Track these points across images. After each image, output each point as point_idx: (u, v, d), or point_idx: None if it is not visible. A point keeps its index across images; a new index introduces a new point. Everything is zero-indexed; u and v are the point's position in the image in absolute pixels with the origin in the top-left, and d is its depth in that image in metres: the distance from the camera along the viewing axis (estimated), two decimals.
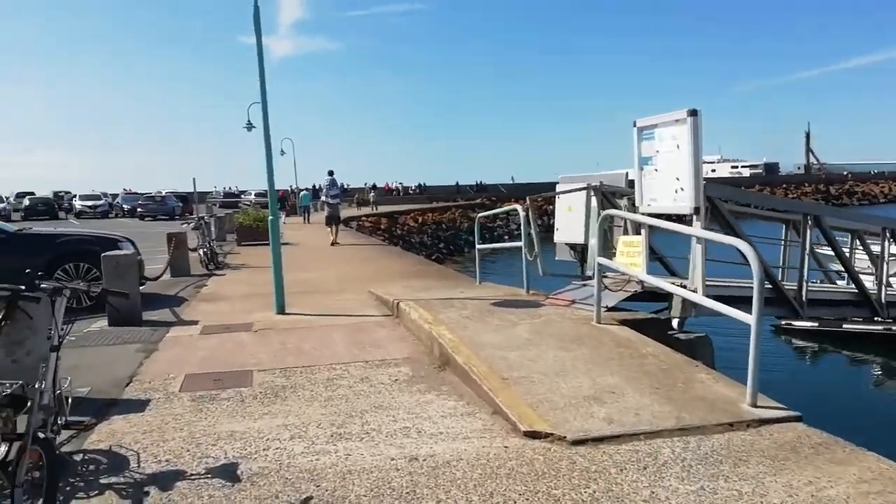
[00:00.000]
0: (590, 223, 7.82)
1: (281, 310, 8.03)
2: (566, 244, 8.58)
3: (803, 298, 7.63)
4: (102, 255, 7.84)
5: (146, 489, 3.34)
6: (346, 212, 34.79)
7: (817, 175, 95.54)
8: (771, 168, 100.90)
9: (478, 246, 9.67)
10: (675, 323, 6.68)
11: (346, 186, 50.20)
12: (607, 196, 7.91)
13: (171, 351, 6.35)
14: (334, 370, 5.50)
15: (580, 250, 8.43)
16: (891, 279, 9.06)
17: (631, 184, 8.53)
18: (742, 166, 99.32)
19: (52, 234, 10.22)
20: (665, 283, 5.42)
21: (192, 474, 3.49)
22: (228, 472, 3.49)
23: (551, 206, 8.28)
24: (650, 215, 6.02)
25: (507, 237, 44.52)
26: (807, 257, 7.61)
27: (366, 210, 43.23)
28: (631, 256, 5.67)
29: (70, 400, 3.97)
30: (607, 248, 6.32)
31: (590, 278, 8.03)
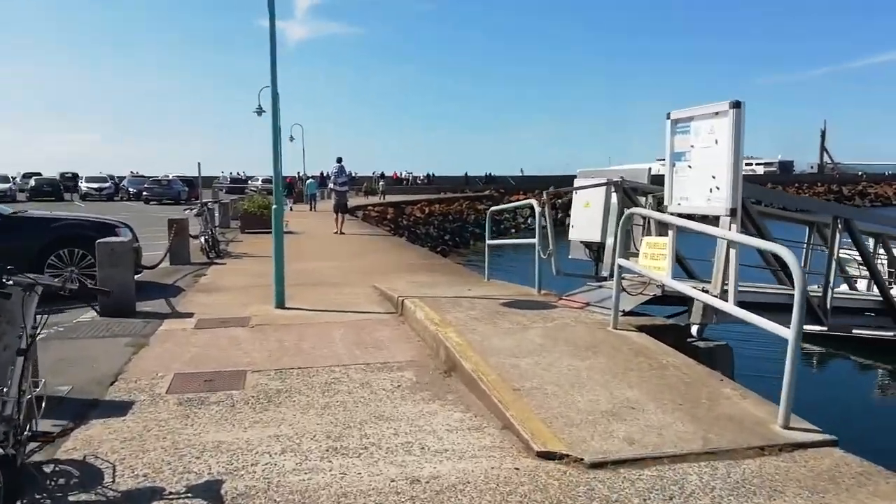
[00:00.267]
0: (608, 221, 7.44)
1: (280, 304, 7.70)
2: (581, 242, 8.20)
3: (827, 306, 7.25)
4: (97, 241, 7.52)
5: None
6: (353, 200, 34.50)
7: (831, 175, 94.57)
8: (785, 167, 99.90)
9: (488, 241, 9.30)
10: (694, 330, 6.31)
11: (354, 174, 49.90)
12: (628, 193, 7.51)
13: (163, 346, 6.03)
14: (333, 373, 5.16)
15: (596, 249, 8.05)
16: None
17: (654, 179, 8.16)
18: (756, 163, 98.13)
19: (48, 218, 9.90)
20: (693, 290, 5.04)
21: (170, 493, 3.16)
22: (211, 492, 3.15)
23: (559, 201, 7.90)
24: (679, 216, 5.62)
25: (513, 231, 44.14)
26: (834, 262, 7.21)
27: (373, 199, 42.86)
28: (655, 259, 5.30)
29: (44, 403, 3.63)
30: (627, 249, 5.93)
31: (605, 279, 7.67)
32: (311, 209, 32.76)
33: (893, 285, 8.86)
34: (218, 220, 20.13)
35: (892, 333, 11.57)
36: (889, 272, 9.44)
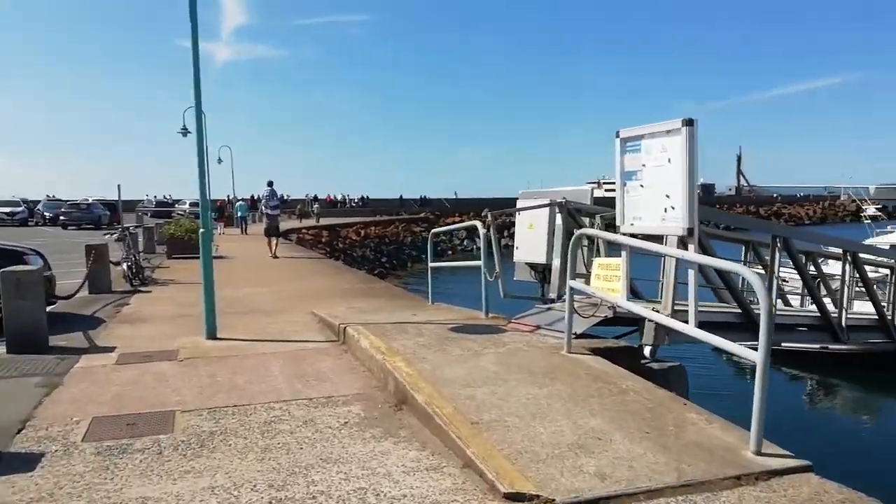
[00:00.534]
0: (554, 242, 7.30)
1: (212, 334, 7.16)
2: (526, 264, 8.03)
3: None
4: (1, 271, 6.81)
5: None
6: (286, 224, 33.68)
7: (748, 196, 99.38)
8: (707, 189, 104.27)
9: (430, 263, 9.02)
10: (646, 351, 6.20)
11: (286, 197, 48.84)
12: (573, 214, 7.40)
13: (79, 386, 5.43)
14: (273, 410, 4.73)
15: (541, 271, 7.90)
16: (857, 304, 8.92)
17: (597, 201, 8.10)
18: None
19: None
20: (650, 312, 4.90)
21: None
22: None
23: (496, 221, 7.70)
24: (632, 236, 5.50)
25: (450, 252, 44.14)
26: (775, 280, 7.29)
27: (308, 222, 41.97)
28: (609, 280, 5.15)
29: None
30: (573, 270, 5.76)
31: (553, 301, 7.51)
32: (242, 232, 31.88)
33: (826, 301, 9.08)
34: (142, 246, 19.13)
35: (817, 345, 11.95)
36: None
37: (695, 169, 4.93)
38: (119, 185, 14.64)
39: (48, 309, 8.45)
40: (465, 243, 48.32)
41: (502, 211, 7.99)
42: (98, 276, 11.08)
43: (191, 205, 45.82)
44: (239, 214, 34.35)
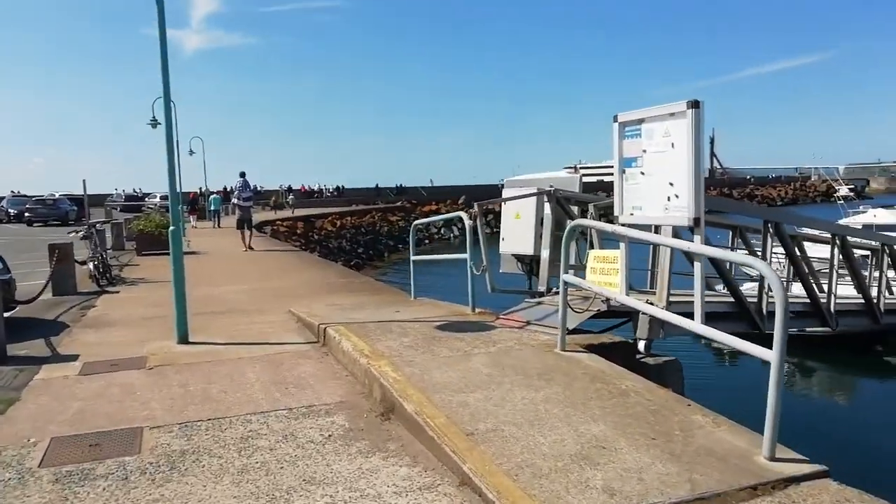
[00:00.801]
0: (543, 233, 7.01)
1: (183, 338, 6.77)
2: (513, 255, 7.74)
3: (764, 312, 7.12)
4: None
5: None
6: (260, 215, 33.04)
7: (721, 178, 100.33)
8: None
9: (412, 257, 8.68)
10: (641, 346, 5.96)
11: (259, 188, 48.00)
12: (562, 203, 7.11)
13: (38, 401, 5.03)
14: (250, 423, 4.39)
15: (529, 262, 7.62)
16: (839, 287, 8.78)
17: (586, 187, 7.83)
18: None
19: None
20: (654, 308, 4.59)
21: None
22: None
23: (473, 211, 7.38)
24: (631, 226, 5.21)
25: (427, 242, 43.74)
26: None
27: (282, 214, 41.26)
28: (606, 274, 4.87)
29: None
30: (566, 263, 5.46)
31: (542, 294, 7.24)
32: (215, 226, 31.22)
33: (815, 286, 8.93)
34: (110, 243, 18.50)
35: (795, 330, 11.83)
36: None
37: (701, 154, 4.65)
38: (84, 180, 13.90)
39: (7, 315, 7.99)
40: (442, 231, 47.98)
41: (489, 201, 7.67)
42: (62, 277, 10.56)
43: (161, 198, 44.76)
44: (212, 207, 33.64)
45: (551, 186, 7.31)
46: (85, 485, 3.53)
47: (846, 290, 10.15)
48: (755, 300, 7.14)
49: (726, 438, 3.74)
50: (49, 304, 9.59)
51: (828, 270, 9.10)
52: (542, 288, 7.24)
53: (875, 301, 9.62)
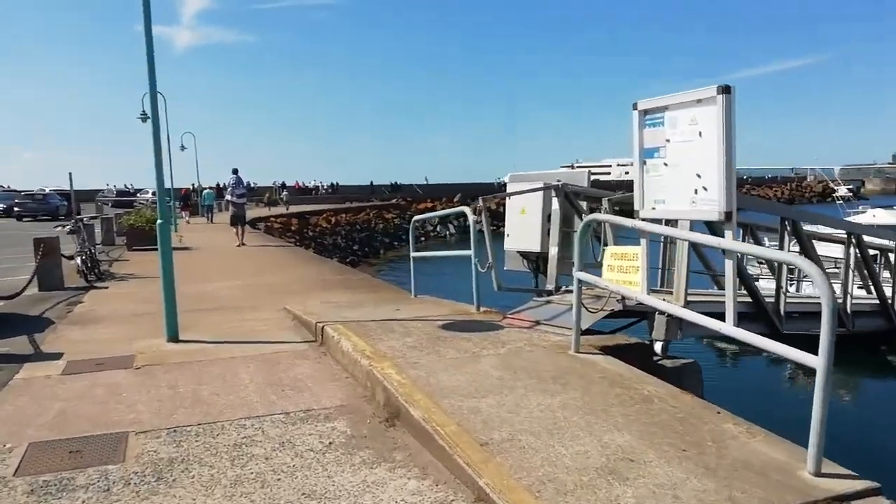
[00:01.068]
0: (551, 229, 6.70)
1: (173, 336, 6.43)
2: (518, 252, 7.43)
3: (781, 312, 6.85)
4: None
5: None
6: (253, 212, 32.65)
7: None
8: None
9: (412, 254, 8.36)
10: (657, 347, 5.67)
11: (252, 185, 47.49)
12: (570, 198, 6.80)
13: (17, 402, 4.69)
14: (244, 429, 4.07)
15: (535, 260, 7.32)
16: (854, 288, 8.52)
17: (607, 185, 7.53)
18: None
19: None
20: (679, 309, 4.28)
21: None
22: None
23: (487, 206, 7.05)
24: (651, 221, 4.88)
25: (423, 239, 43.38)
26: (784, 267, 6.82)
27: (276, 210, 40.83)
28: (625, 272, 4.57)
29: None
30: (581, 260, 5.16)
31: (550, 293, 6.94)
32: (208, 221, 30.89)
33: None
34: (100, 238, 18.13)
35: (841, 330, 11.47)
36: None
37: (733, 144, 4.34)
38: (70, 174, 13.48)
39: None
40: (438, 229, 47.65)
41: (494, 196, 7.36)
42: (48, 272, 10.19)
43: (153, 194, 44.22)
44: (205, 203, 33.30)
45: (559, 181, 7.01)
46: (63, 497, 3.21)
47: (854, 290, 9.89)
48: (772, 300, 6.86)
49: (763, 450, 3.44)
50: (34, 300, 9.22)
51: (840, 270, 8.85)
52: (550, 286, 6.93)
53: (890, 301, 9.36)
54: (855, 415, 10.14)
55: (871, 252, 10.96)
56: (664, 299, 5.51)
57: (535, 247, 7.18)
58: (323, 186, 68.03)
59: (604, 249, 5.15)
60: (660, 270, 7.00)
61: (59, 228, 12.16)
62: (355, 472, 3.42)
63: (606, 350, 5.22)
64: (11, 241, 19.82)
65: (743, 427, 3.74)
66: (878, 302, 9.15)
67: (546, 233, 7.02)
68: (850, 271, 8.27)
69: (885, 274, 10.66)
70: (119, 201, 44.41)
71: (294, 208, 42.63)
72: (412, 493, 3.18)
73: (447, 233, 47.84)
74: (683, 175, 4.66)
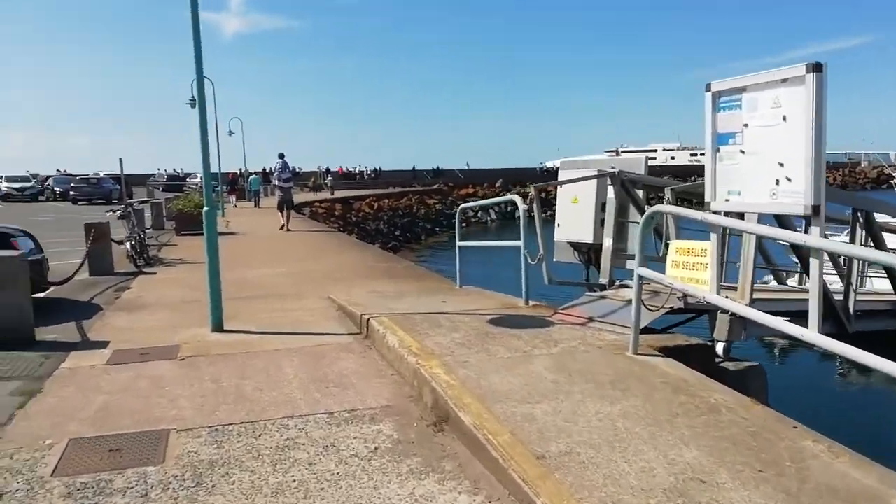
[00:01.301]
0: (606, 219, 6.37)
1: (218, 326, 6.36)
2: (569, 243, 7.12)
3: (850, 311, 6.37)
4: None
5: None
6: (298, 196, 32.89)
7: None
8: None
9: (458, 243, 8.13)
10: (719, 348, 5.32)
11: (298, 170, 47.88)
12: (626, 186, 6.44)
13: (61, 393, 4.65)
14: (287, 429, 3.92)
15: (586, 251, 6.99)
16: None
17: (652, 170, 7.15)
18: (702, 154, 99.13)
19: None
20: (761, 314, 3.87)
21: None
22: None
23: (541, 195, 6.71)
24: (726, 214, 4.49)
25: (464, 225, 43.06)
26: (855, 262, 6.33)
27: (321, 195, 41.08)
28: (692, 269, 4.25)
29: None
30: (642, 254, 4.83)
31: (603, 287, 6.62)
32: (255, 206, 31.25)
33: None
34: (150, 222, 18.43)
35: None
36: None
37: (823, 129, 3.92)
38: (121, 159, 13.72)
39: (41, 295, 7.73)
40: (479, 215, 47.27)
41: (547, 184, 7.06)
42: (98, 257, 10.31)
43: (202, 178, 45.03)
44: (252, 188, 33.72)
45: (614, 167, 6.65)
46: (99, 502, 3.09)
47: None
48: (840, 298, 6.39)
49: (849, 473, 3.10)
50: (85, 285, 9.34)
51: None
52: (603, 280, 6.61)
53: None
54: None
55: None
56: (726, 296, 5.15)
57: (588, 237, 6.85)
58: (366, 171, 68.28)
59: (667, 244, 4.81)
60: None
61: (110, 213, 12.31)
62: (402, 484, 3.22)
63: (666, 351, 4.90)
64: (66, 224, 20.31)
65: (824, 445, 3.40)
66: None
67: (600, 223, 6.69)
68: None
69: None
70: (169, 185, 45.33)
71: (338, 193, 42.84)
72: None
73: (488, 219, 47.45)
74: (763, 163, 4.26)
